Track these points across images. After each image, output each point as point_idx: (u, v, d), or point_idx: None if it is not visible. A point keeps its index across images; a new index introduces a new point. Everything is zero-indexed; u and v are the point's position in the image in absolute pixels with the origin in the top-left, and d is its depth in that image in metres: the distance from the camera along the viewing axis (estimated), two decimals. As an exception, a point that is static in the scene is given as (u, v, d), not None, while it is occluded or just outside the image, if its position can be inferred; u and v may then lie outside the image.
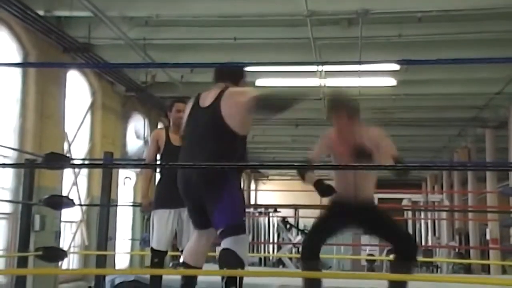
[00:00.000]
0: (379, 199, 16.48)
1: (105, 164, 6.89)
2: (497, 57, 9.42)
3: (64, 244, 10.17)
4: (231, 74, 4.16)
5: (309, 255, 4.35)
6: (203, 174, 3.86)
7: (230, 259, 3.70)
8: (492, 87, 12.34)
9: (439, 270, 16.62)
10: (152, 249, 5.44)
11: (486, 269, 14.82)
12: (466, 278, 6.17)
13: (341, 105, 4.44)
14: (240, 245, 3.74)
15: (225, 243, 3.75)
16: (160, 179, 5.52)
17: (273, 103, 4.01)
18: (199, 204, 3.93)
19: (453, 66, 10.85)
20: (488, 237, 15.61)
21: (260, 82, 11.68)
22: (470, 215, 15.81)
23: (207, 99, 4.02)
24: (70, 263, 10.63)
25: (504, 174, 15.40)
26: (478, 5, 8.30)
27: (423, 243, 17.19)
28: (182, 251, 5.41)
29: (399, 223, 4.50)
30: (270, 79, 11.67)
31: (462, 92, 12.96)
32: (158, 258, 5.40)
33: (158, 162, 5.81)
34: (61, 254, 5.76)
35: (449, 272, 15.77)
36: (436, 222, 18.64)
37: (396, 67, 10.82)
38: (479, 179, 17.97)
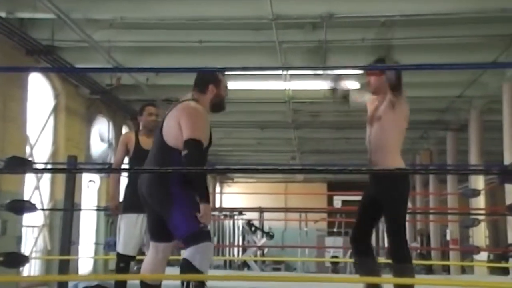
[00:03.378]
0: (343, 201, 16.86)
1: (69, 169, 6.79)
2: (457, 62, 9.63)
3: (25, 249, 9.99)
4: (197, 82, 4.11)
5: (357, 246, 4.38)
6: (147, 187, 3.86)
7: (187, 271, 3.68)
8: (453, 90, 12.58)
9: (402, 271, 16.82)
10: (118, 254, 5.39)
11: (446, 269, 15.09)
12: (428, 280, 6.30)
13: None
14: (200, 255, 3.67)
15: (186, 253, 3.72)
16: (128, 183, 5.46)
17: (197, 161, 3.73)
18: (153, 214, 3.92)
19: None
20: (448, 237, 15.90)
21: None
22: (431, 216, 16.06)
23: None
24: (32, 268, 10.45)
25: (465, 176, 15.72)
26: (440, 10, 8.47)
27: (385, 245, 17.38)
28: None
29: (402, 224, 4.36)
30: (235, 82, 11.68)
31: (424, 96, 13.14)
32: (124, 263, 5.36)
33: (124, 166, 5.77)
34: (23, 260, 5.66)
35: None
36: (399, 223, 18.84)
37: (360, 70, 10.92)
38: (441, 180, 18.31)
